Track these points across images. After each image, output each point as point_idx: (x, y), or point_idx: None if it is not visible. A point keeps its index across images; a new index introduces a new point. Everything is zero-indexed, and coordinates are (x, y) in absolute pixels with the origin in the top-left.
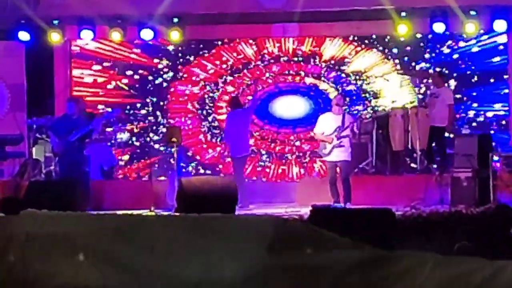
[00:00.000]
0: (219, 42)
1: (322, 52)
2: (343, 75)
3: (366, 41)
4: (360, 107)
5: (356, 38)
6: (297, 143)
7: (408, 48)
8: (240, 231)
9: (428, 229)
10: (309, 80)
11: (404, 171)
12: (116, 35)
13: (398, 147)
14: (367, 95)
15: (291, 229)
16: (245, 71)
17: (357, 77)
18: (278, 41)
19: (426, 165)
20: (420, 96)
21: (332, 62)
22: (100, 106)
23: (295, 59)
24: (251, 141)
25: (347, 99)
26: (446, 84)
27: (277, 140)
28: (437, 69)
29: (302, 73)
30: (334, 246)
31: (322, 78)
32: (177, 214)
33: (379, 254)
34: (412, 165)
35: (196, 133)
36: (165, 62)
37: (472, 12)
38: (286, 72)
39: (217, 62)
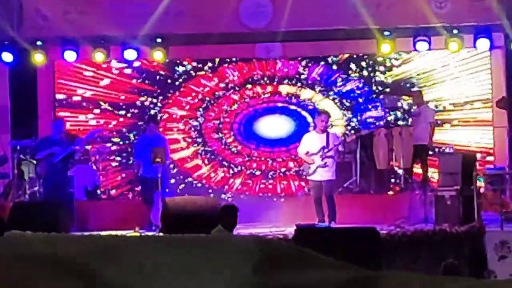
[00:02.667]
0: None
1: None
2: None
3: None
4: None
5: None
6: (280, 161)
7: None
8: (225, 251)
9: (413, 247)
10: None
11: (388, 190)
12: (99, 56)
13: (382, 166)
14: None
15: (276, 249)
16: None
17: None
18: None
19: (410, 183)
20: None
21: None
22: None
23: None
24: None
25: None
26: (426, 103)
27: (259, 159)
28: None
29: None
30: (320, 267)
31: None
32: (163, 234)
33: (365, 275)
34: (396, 184)
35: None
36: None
37: (455, 31)
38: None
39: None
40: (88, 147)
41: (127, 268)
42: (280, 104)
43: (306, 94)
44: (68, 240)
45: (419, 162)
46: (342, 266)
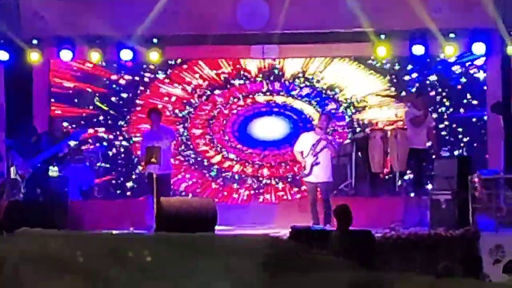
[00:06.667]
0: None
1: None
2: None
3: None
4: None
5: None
6: (275, 164)
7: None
8: (232, 251)
9: (408, 251)
10: (281, 99)
11: (383, 193)
12: (95, 56)
13: (377, 169)
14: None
15: (286, 249)
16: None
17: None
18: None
19: (405, 187)
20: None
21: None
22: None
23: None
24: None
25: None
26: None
27: (256, 162)
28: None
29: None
30: (331, 268)
31: (296, 96)
32: (169, 233)
33: (372, 276)
34: (391, 187)
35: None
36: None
37: (451, 35)
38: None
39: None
40: (84, 146)
41: (132, 267)
42: (264, 109)
43: (279, 98)
44: (74, 239)
45: (414, 165)
46: (351, 268)
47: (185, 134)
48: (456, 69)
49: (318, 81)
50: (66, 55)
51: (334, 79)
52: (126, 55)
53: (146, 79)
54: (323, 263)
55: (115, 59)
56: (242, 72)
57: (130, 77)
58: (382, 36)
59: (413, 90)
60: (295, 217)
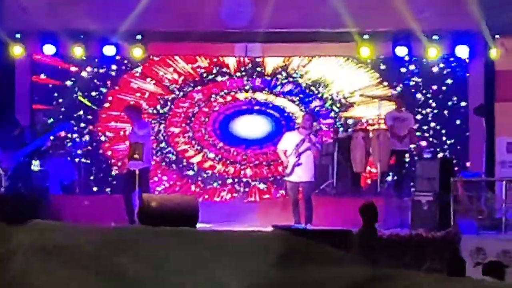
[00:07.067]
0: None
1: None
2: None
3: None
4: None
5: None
6: (257, 163)
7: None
8: (243, 246)
9: (389, 251)
10: (263, 97)
11: (365, 193)
12: (78, 51)
13: (359, 169)
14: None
15: (296, 245)
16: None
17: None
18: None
19: (387, 187)
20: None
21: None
22: None
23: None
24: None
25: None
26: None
27: (239, 162)
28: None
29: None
30: (340, 263)
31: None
32: (180, 228)
33: (384, 272)
34: (373, 187)
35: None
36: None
37: (435, 37)
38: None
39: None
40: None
41: (142, 259)
42: (244, 107)
43: (261, 95)
44: (83, 230)
45: (395, 166)
46: (362, 263)
47: (162, 132)
48: (441, 71)
49: (301, 76)
50: (49, 49)
51: (318, 74)
52: (109, 50)
53: (112, 73)
54: (336, 258)
55: (98, 55)
56: (219, 68)
57: (93, 69)
58: (366, 37)
59: (398, 89)
60: (276, 216)
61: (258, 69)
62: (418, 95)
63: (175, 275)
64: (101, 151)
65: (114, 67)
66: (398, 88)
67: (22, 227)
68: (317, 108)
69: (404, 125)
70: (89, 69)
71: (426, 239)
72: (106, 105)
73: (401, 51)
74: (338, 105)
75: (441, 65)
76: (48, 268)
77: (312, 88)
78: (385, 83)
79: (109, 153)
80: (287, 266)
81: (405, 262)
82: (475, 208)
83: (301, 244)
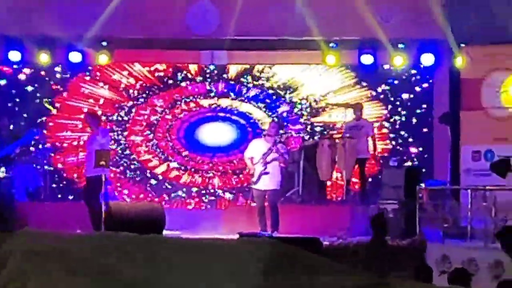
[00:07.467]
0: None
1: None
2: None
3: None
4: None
5: None
6: (222, 169)
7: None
8: (239, 254)
9: (356, 259)
10: (227, 103)
11: (331, 201)
12: (44, 57)
13: (325, 177)
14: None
15: (289, 253)
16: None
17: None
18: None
19: (353, 195)
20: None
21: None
22: None
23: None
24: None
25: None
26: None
27: (206, 171)
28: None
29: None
30: (333, 272)
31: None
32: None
33: (375, 281)
34: (338, 195)
35: None
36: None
37: (401, 45)
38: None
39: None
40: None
41: (140, 264)
42: (209, 114)
43: (225, 101)
44: (80, 237)
45: (359, 174)
46: (355, 272)
47: (123, 141)
48: (409, 78)
49: (267, 79)
50: (14, 56)
51: (287, 75)
52: (75, 57)
53: (58, 75)
54: (326, 267)
55: (64, 61)
56: (179, 73)
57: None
58: (332, 45)
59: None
60: (242, 224)
61: (222, 74)
62: (387, 103)
63: (172, 280)
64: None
65: (57, 69)
66: (379, 89)
67: (12, 234)
68: (285, 114)
69: (361, 134)
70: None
71: (392, 247)
72: (54, 112)
73: (367, 59)
74: (308, 110)
75: (409, 73)
76: (41, 272)
77: (280, 92)
78: (364, 83)
79: (59, 165)
80: (278, 274)
81: (371, 269)
82: (440, 216)
83: (294, 254)
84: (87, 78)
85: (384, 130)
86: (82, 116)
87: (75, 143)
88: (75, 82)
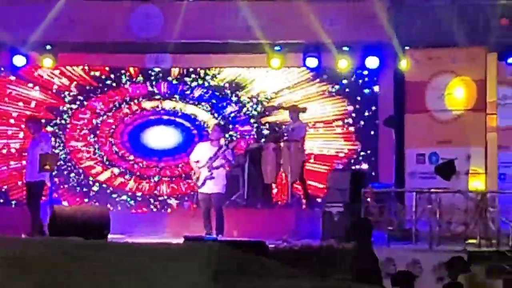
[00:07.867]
0: None
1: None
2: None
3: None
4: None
5: None
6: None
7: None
8: (184, 259)
9: (301, 262)
10: (170, 105)
11: (275, 204)
12: None
13: (269, 180)
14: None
15: (236, 257)
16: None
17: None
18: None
19: (298, 198)
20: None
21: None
22: None
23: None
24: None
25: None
26: (300, 119)
27: (153, 176)
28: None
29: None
30: (282, 276)
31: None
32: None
33: (334, 285)
34: (284, 198)
35: None
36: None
37: (345, 48)
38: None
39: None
40: None
41: (90, 271)
42: (152, 117)
43: (169, 103)
44: (31, 242)
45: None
46: (305, 277)
47: (62, 148)
48: (355, 81)
49: (213, 77)
50: None
51: (235, 72)
52: (19, 61)
53: None
54: (278, 270)
55: (8, 65)
56: (117, 73)
57: None
58: (277, 48)
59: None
60: (188, 227)
61: (167, 77)
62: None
63: (119, 284)
64: None
65: None
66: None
67: None
68: (233, 114)
69: (294, 135)
70: None
71: (337, 249)
72: None
73: (312, 62)
74: (258, 109)
75: (355, 76)
76: (3, 279)
77: (227, 91)
78: (325, 76)
79: None
80: (226, 279)
81: (316, 272)
82: (385, 219)
83: (241, 257)
84: (13, 78)
85: (351, 129)
86: (12, 121)
87: (4, 151)
88: None
